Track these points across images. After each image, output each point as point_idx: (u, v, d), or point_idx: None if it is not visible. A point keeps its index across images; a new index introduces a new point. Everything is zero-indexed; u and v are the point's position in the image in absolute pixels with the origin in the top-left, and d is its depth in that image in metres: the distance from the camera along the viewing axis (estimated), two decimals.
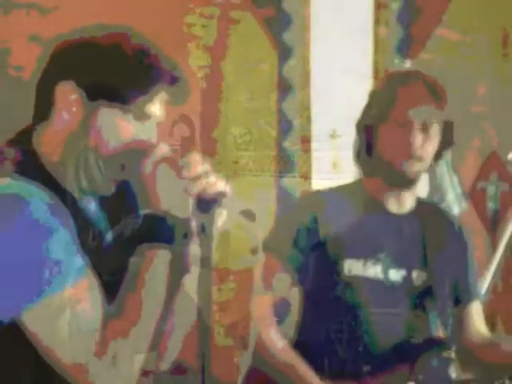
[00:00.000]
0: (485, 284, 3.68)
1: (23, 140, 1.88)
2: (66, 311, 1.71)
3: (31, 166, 1.83)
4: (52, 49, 1.89)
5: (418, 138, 2.64)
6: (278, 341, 2.63)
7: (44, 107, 1.88)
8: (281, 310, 2.67)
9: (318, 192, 2.91)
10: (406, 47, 4.49)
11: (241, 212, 1.77)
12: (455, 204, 4.40)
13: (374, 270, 2.68)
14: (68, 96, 1.84)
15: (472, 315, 2.90)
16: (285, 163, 4.07)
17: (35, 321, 1.71)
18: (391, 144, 2.67)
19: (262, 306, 2.64)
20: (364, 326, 2.67)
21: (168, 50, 3.59)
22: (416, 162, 2.67)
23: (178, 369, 3.39)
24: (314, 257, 2.65)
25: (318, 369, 2.61)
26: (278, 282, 2.63)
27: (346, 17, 4.30)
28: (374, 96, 2.77)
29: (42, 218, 1.72)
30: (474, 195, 4.76)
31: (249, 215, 1.77)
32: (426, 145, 2.67)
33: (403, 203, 2.76)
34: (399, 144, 2.66)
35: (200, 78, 3.79)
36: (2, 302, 1.71)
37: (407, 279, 2.73)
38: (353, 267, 2.66)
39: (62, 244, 1.74)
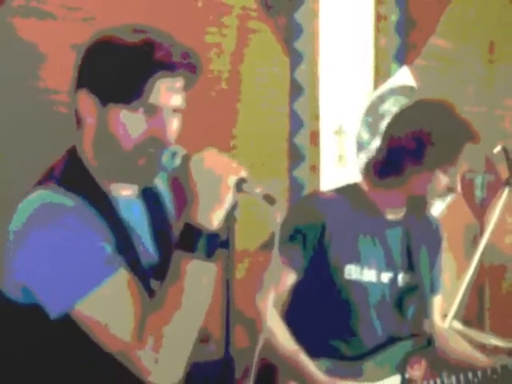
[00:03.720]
0: (474, 263, 3.66)
1: (71, 151, 1.85)
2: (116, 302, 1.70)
3: (77, 175, 1.79)
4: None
5: (459, 187, 2.59)
6: (278, 329, 2.57)
7: (76, 115, 1.85)
8: None
9: (323, 197, 2.78)
10: (403, 54, 4.48)
11: (262, 196, 1.70)
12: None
13: (369, 274, 2.62)
14: (86, 102, 1.79)
15: (434, 307, 2.84)
16: (296, 156, 4.03)
17: (94, 309, 1.68)
18: (436, 183, 2.56)
19: (264, 298, 2.57)
20: (357, 321, 2.63)
21: None
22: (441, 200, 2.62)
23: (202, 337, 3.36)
24: (317, 260, 2.58)
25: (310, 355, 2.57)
26: (270, 274, 2.56)
27: (350, 27, 4.30)
28: (436, 136, 2.53)
29: (71, 224, 1.69)
30: (463, 185, 4.72)
31: (270, 199, 1.70)
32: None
33: (400, 212, 2.68)
34: (441, 187, 2.57)
35: (221, 80, 3.76)
36: (56, 294, 1.68)
37: (393, 281, 2.67)
38: (352, 272, 2.60)
39: (99, 244, 1.71)
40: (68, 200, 1.71)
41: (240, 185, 1.71)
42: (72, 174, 1.79)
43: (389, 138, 2.63)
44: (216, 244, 1.71)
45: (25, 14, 3.12)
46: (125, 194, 1.87)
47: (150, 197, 1.96)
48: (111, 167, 1.82)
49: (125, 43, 1.77)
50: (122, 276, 1.71)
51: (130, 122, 1.77)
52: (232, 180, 1.70)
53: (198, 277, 1.70)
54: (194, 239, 1.70)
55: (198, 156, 1.73)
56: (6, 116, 3.04)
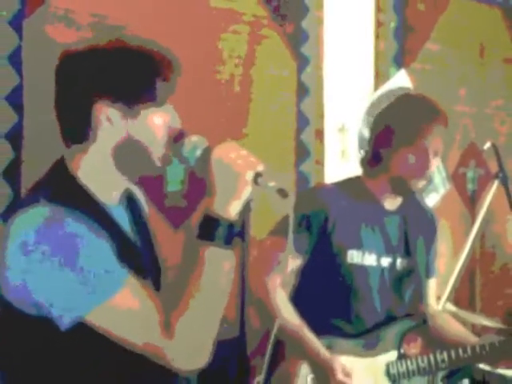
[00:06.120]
0: (466, 250, 3.65)
1: (59, 168, 1.73)
2: (124, 311, 1.61)
3: (68, 190, 1.68)
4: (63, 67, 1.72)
5: (432, 164, 2.57)
6: (285, 308, 2.56)
7: (79, 129, 1.70)
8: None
9: (327, 189, 2.80)
10: (401, 58, 4.46)
11: (276, 190, 1.67)
12: (441, 185, 4.34)
13: (370, 259, 2.62)
14: (107, 112, 1.68)
15: (429, 289, 2.83)
16: (302, 152, 4.02)
17: (102, 319, 1.59)
18: (406, 163, 2.57)
19: (272, 279, 2.57)
20: (359, 302, 2.62)
21: (205, 61, 3.60)
22: (424, 181, 2.59)
23: None
24: (321, 245, 2.58)
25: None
26: (279, 259, 2.55)
27: (352, 33, 4.28)
28: (398, 121, 2.60)
29: (80, 235, 1.59)
30: (456, 178, 4.72)
31: (282, 193, 1.67)
32: (434, 167, 2.61)
33: (396, 201, 2.68)
34: (413, 166, 2.56)
35: (234, 83, 3.75)
36: (66, 306, 1.58)
37: (392, 265, 2.67)
38: (354, 256, 2.60)
39: (103, 255, 1.61)
40: (69, 215, 1.60)
41: (256, 178, 1.67)
42: (63, 189, 1.67)
43: (373, 132, 2.66)
44: (233, 233, 1.66)
45: (53, 21, 3.13)
46: (111, 201, 1.77)
47: (127, 197, 1.88)
48: (134, 168, 1.75)
49: (131, 47, 1.70)
50: (133, 281, 1.63)
51: (161, 117, 1.72)
52: (250, 175, 1.66)
53: (217, 263, 1.64)
54: (212, 229, 1.64)
55: (218, 150, 1.68)
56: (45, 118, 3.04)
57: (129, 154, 1.71)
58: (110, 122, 1.68)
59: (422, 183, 2.59)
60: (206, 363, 1.66)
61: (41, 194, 1.65)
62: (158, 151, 1.73)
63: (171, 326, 1.61)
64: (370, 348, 2.62)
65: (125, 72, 1.69)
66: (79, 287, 1.57)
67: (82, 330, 1.59)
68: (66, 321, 1.58)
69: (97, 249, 1.60)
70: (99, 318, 1.59)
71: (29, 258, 1.56)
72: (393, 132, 2.58)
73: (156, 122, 1.71)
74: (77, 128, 1.71)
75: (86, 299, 1.57)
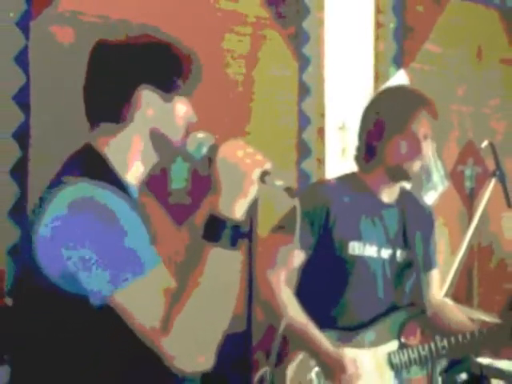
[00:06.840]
0: (464, 246, 3.65)
1: (87, 147, 1.74)
2: (150, 294, 1.59)
3: (97, 168, 1.67)
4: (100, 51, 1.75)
5: (425, 147, 2.57)
6: (289, 302, 2.56)
7: (115, 110, 1.72)
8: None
9: (326, 185, 2.80)
10: (400, 58, 4.46)
11: (284, 189, 1.63)
12: (439, 183, 4.33)
13: (371, 250, 2.62)
14: (147, 98, 1.70)
15: (431, 280, 2.83)
16: (304, 150, 4.02)
17: (128, 300, 1.57)
18: (399, 151, 2.58)
19: (276, 275, 2.56)
20: (361, 293, 2.62)
21: (209, 61, 3.59)
22: (419, 163, 2.59)
23: None
24: (323, 240, 2.57)
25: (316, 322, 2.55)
26: (282, 254, 2.55)
27: (353, 34, 4.27)
28: (387, 111, 2.63)
29: (122, 214, 1.58)
30: (454, 176, 4.72)
31: (291, 192, 1.64)
32: (427, 150, 2.61)
33: (392, 194, 2.69)
34: (408, 150, 2.57)
35: (237, 82, 3.75)
36: (97, 284, 1.57)
37: (392, 256, 2.67)
38: (355, 248, 2.60)
39: (141, 236, 1.60)
40: (108, 192, 1.59)
41: (263, 177, 1.63)
42: (93, 169, 1.66)
43: (364, 127, 2.68)
44: (239, 234, 1.61)
45: (60, 22, 3.13)
46: (135, 180, 1.76)
47: None
48: (164, 151, 1.75)
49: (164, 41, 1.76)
50: (162, 267, 1.62)
51: (185, 106, 1.77)
52: (256, 173, 1.61)
53: (221, 264, 1.59)
54: (218, 229, 1.59)
55: (225, 148, 1.65)
56: (52, 115, 3.05)
57: (161, 136, 1.73)
58: (148, 106, 1.71)
59: (416, 165, 2.60)
60: (209, 366, 1.61)
61: (69, 175, 1.64)
62: (178, 137, 1.74)
63: (169, 323, 1.57)
64: (372, 339, 2.62)
65: (153, 64, 1.73)
66: (110, 263, 1.55)
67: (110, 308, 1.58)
68: (96, 300, 1.57)
69: (134, 230, 1.59)
70: (122, 298, 1.57)
71: (64, 233, 1.56)
72: (383, 123, 2.60)
73: (181, 110, 1.75)
74: (110, 109, 1.72)
75: (115, 277, 1.55)
